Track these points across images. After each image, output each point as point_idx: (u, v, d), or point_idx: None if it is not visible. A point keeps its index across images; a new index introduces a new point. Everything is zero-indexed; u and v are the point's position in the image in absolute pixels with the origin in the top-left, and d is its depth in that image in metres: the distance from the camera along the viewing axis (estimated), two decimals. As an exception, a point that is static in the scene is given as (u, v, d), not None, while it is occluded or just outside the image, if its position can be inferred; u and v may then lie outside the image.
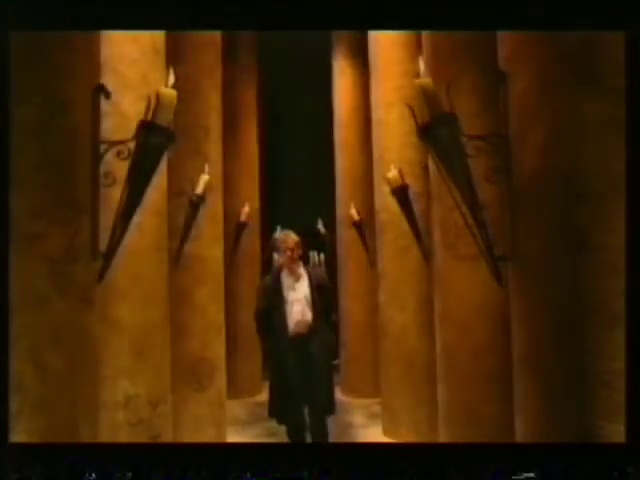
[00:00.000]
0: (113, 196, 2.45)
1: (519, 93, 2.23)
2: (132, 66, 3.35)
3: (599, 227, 1.92)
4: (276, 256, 8.46)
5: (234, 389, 7.06)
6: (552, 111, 2.04)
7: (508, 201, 2.32)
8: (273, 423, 4.85)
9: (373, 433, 5.83)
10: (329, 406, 4.56)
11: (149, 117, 2.33)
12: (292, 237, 4.65)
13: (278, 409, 4.56)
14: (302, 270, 4.65)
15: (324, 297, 4.62)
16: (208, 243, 5.03)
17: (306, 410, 4.54)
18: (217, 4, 2.29)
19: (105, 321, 2.99)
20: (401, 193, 5.04)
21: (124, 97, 3.17)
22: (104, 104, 2.51)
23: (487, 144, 2.36)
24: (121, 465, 1.97)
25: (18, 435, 2.00)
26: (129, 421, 3.18)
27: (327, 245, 8.14)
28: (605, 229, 1.91)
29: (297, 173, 10.14)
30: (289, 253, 4.56)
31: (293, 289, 4.56)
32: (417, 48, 2.77)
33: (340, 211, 8.09)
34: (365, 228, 7.21)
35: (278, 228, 8.55)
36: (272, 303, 4.57)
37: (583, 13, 1.97)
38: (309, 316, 4.50)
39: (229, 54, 7.50)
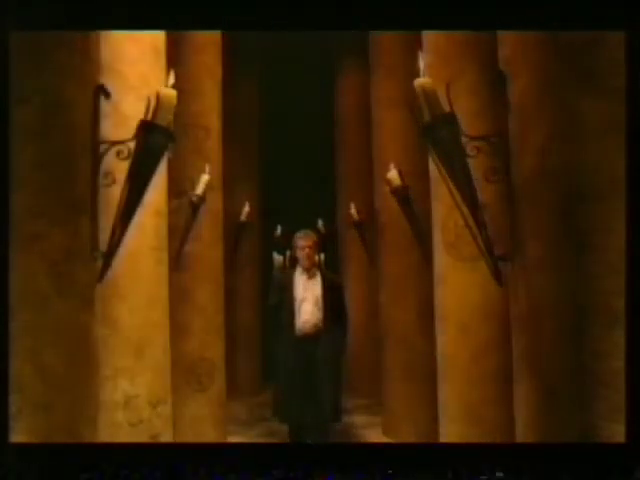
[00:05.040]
0: (113, 196, 2.44)
1: (519, 93, 2.23)
2: (132, 66, 3.34)
3: (599, 227, 1.92)
4: (276, 256, 8.47)
5: (234, 389, 7.06)
6: (552, 111, 2.04)
7: (508, 201, 2.32)
8: (273, 423, 4.85)
9: (373, 433, 5.83)
10: (334, 413, 4.52)
11: (149, 117, 2.33)
12: (311, 236, 4.64)
13: (280, 408, 4.56)
14: (316, 270, 4.63)
15: (336, 300, 4.58)
16: (208, 243, 5.03)
17: (309, 412, 4.51)
18: (217, 4, 2.30)
19: (105, 321, 2.99)
20: (401, 193, 5.03)
21: (124, 97, 3.17)
22: (104, 104, 2.51)
23: (487, 144, 2.36)
24: (121, 465, 1.97)
25: (18, 435, 2.00)
26: (129, 421, 3.17)
27: (328, 245, 8.13)
28: (605, 229, 1.91)
29: (297, 173, 10.13)
30: (306, 251, 4.54)
31: (305, 288, 4.52)
32: (417, 48, 2.77)
33: (340, 211, 8.09)
34: (365, 228, 7.21)
35: (278, 228, 8.57)
36: (282, 300, 4.54)
37: (583, 13, 1.97)
38: (318, 317, 4.46)
39: (229, 54, 7.51)
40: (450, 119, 2.28)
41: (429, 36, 3.85)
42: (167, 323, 3.60)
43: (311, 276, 4.55)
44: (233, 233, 7.13)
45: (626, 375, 1.83)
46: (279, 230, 8.53)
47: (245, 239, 7.45)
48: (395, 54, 5.55)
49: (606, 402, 1.87)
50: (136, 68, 3.37)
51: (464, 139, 2.33)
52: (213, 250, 5.11)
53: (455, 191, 2.40)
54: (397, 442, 5.31)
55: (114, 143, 2.39)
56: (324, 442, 4.42)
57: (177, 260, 4.56)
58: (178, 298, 4.43)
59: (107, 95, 2.50)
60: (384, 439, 5.60)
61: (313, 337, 4.43)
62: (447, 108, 2.29)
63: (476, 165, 2.36)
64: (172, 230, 3.99)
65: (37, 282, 2.10)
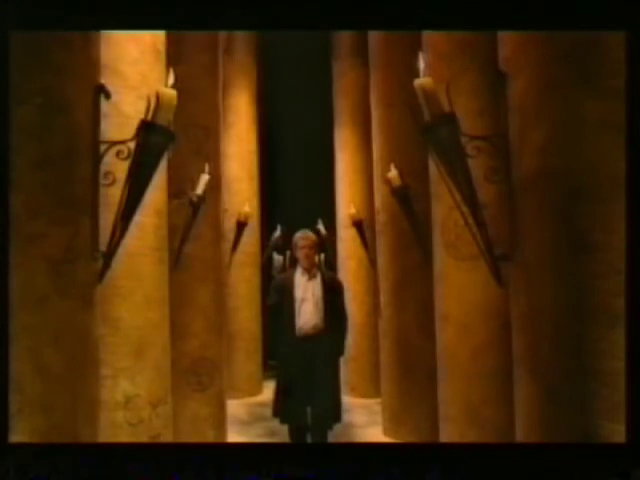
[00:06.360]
0: (113, 196, 2.45)
1: (519, 93, 2.23)
2: (132, 66, 3.34)
3: (599, 227, 1.92)
4: (276, 256, 8.47)
5: (234, 389, 7.07)
6: (552, 111, 2.04)
7: (508, 201, 2.32)
8: (273, 423, 4.84)
9: (373, 433, 5.83)
10: (334, 414, 4.51)
11: (149, 117, 2.33)
12: (310, 236, 4.65)
13: (281, 409, 4.55)
14: (316, 270, 4.63)
15: (336, 300, 4.59)
16: (208, 243, 5.03)
17: (309, 412, 4.51)
18: (217, 4, 2.29)
19: (105, 321, 2.99)
20: (401, 193, 5.04)
21: (124, 97, 3.17)
22: (104, 104, 2.51)
23: (487, 144, 2.36)
24: (121, 465, 1.97)
25: (18, 435, 2.00)
26: (129, 421, 3.17)
27: (327, 245, 8.14)
28: (605, 229, 1.91)
29: (297, 173, 10.14)
30: (306, 252, 4.54)
31: (305, 288, 4.52)
32: (417, 48, 2.78)
33: (340, 211, 8.09)
34: (365, 228, 7.22)
35: (278, 227, 8.57)
36: (282, 300, 4.54)
37: (583, 13, 1.97)
38: (318, 317, 4.46)
39: (229, 54, 7.52)
40: (450, 119, 2.28)
41: (429, 36, 3.86)
42: (167, 323, 3.61)
43: (311, 277, 4.55)
44: (233, 233, 7.14)
45: (626, 375, 1.83)
46: (279, 230, 8.54)
47: (245, 239, 7.45)
48: (395, 54, 5.55)
49: (606, 402, 1.87)
50: (136, 68, 3.37)
51: (464, 139, 2.33)
52: (213, 250, 5.12)
53: (455, 191, 2.40)
54: (397, 442, 5.31)
55: (114, 143, 2.38)
56: (324, 442, 4.42)
57: (177, 260, 4.57)
58: (178, 298, 4.44)
59: (107, 95, 2.50)
60: (384, 439, 5.60)
61: (313, 337, 4.43)
62: (447, 108, 2.29)
63: (476, 165, 2.36)
64: (172, 230, 3.99)
65: (37, 282, 2.10)
